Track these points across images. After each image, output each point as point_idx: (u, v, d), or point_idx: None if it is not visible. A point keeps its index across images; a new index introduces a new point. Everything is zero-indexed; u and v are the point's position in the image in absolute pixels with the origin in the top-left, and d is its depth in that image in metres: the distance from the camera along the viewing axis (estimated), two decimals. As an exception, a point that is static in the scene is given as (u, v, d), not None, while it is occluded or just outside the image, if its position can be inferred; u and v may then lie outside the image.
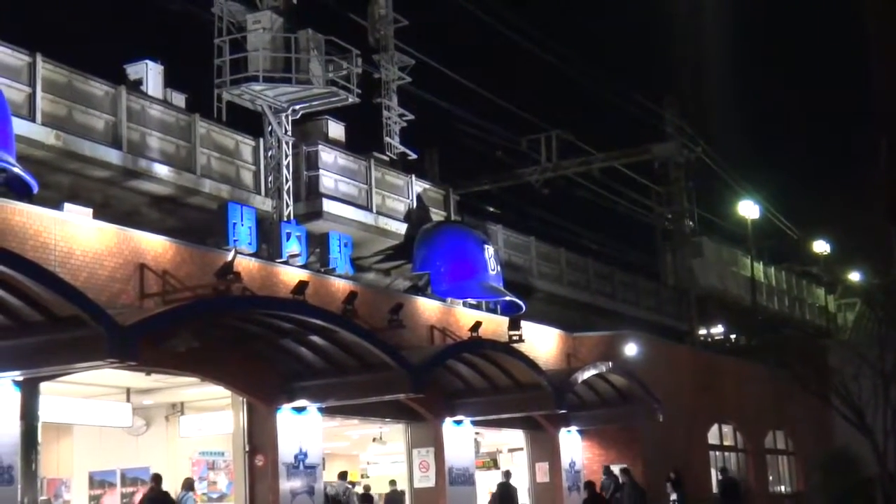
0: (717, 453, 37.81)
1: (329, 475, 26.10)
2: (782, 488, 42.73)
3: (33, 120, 22.03)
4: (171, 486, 23.93)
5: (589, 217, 47.80)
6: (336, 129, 30.37)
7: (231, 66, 26.72)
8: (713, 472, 36.96)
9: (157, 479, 21.68)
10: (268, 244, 25.30)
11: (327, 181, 28.96)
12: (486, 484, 29.80)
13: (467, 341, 26.06)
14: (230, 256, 20.27)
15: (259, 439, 22.03)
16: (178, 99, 27.44)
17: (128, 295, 19.47)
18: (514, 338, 27.60)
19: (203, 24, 27.62)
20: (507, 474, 29.01)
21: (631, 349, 32.62)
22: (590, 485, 29.05)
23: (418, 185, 32.39)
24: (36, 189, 19.48)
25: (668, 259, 47.87)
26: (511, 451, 32.84)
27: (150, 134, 24.94)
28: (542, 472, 30.89)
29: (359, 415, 25.07)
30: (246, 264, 21.73)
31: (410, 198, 31.87)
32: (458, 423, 27.00)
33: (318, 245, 26.56)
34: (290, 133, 27.54)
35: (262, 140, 27.55)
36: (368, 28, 33.59)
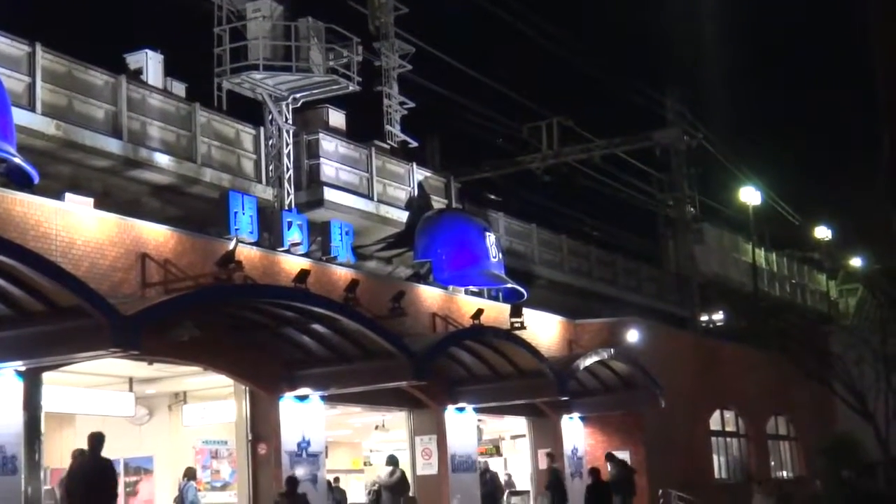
0: (720, 439, 37.87)
1: (332, 463, 26.07)
2: (784, 474, 42.78)
3: (33, 110, 22.01)
4: (174, 475, 24.01)
5: (590, 204, 47.57)
6: (337, 118, 30.34)
7: (231, 54, 26.67)
8: (715, 458, 37.01)
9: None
10: (269, 233, 25.30)
11: (328, 170, 28.94)
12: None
13: (469, 329, 26.09)
14: (231, 245, 20.26)
15: (262, 428, 22.05)
16: (179, 88, 27.43)
17: (129, 284, 19.48)
18: (516, 325, 27.61)
19: (203, 13, 27.58)
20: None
21: (633, 336, 32.63)
22: (594, 471, 29.03)
23: (419, 173, 32.37)
24: (37, 179, 19.48)
25: (669, 245, 47.81)
26: (513, 437, 32.89)
27: (150, 123, 24.92)
28: (545, 459, 30.91)
29: (361, 403, 25.10)
30: (247, 253, 21.73)
31: (411, 186, 31.85)
32: (461, 410, 27.03)
33: (319, 233, 26.56)
34: (290, 121, 27.51)
35: (262, 129, 27.52)
36: (368, 16, 33.52)
